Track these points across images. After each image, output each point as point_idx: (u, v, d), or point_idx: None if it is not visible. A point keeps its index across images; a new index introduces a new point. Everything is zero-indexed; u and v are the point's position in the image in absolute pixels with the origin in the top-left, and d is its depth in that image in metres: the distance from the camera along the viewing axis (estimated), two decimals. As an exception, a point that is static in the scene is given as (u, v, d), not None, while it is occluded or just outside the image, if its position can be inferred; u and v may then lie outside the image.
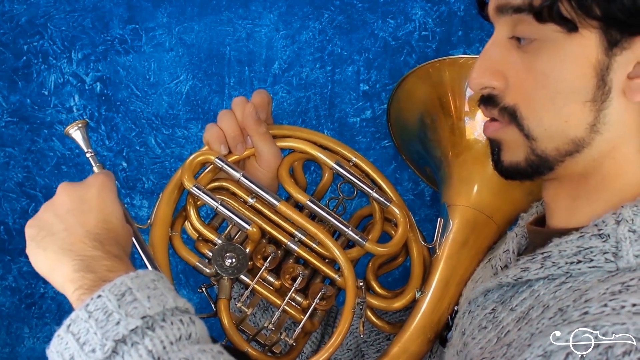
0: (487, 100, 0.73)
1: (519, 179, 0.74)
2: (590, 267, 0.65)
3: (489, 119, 0.75)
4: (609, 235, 0.65)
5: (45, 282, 1.29)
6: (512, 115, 0.71)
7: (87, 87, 1.28)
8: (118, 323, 0.59)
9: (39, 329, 1.29)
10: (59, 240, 0.68)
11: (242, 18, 1.26)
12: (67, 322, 0.61)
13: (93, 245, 0.67)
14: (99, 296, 0.60)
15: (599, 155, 0.69)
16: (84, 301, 0.61)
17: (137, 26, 1.26)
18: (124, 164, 1.30)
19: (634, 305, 0.56)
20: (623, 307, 0.57)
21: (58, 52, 1.26)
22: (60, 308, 1.29)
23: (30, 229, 0.72)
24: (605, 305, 0.57)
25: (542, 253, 0.70)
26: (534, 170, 0.72)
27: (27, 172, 1.29)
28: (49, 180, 1.29)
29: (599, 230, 0.66)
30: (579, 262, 0.66)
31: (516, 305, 0.71)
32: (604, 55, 0.65)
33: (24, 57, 1.26)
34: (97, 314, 0.59)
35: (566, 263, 0.67)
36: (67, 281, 0.66)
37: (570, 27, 0.64)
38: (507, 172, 0.74)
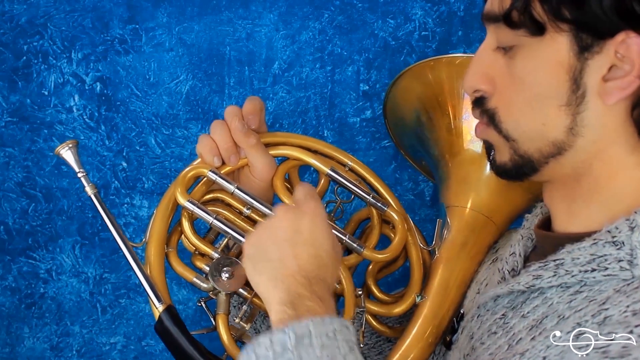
0: (476, 102, 0.75)
1: (509, 179, 0.75)
2: (605, 276, 0.64)
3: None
4: (623, 243, 0.64)
5: (45, 282, 1.30)
6: (490, 118, 0.73)
7: (87, 87, 1.27)
8: None
9: (39, 329, 1.28)
10: (273, 270, 0.71)
11: (242, 18, 1.26)
12: (256, 341, 0.65)
13: (301, 283, 0.70)
14: (284, 331, 0.64)
15: (586, 157, 0.69)
16: (274, 329, 0.65)
17: (137, 26, 1.26)
18: (124, 164, 1.30)
19: None
20: None
21: (58, 52, 1.26)
22: (60, 308, 1.29)
23: (250, 248, 0.74)
24: (632, 332, 0.57)
25: (555, 260, 0.69)
26: (518, 171, 0.73)
27: (27, 172, 1.29)
28: (49, 180, 1.29)
29: (613, 237, 0.65)
30: (594, 270, 0.65)
31: (528, 312, 0.71)
32: (576, 59, 0.65)
33: (24, 57, 1.26)
34: (277, 346, 0.64)
35: (580, 271, 0.66)
36: (271, 307, 0.70)
37: (535, 30, 0.65)
38: (498, 172, 0.76)
